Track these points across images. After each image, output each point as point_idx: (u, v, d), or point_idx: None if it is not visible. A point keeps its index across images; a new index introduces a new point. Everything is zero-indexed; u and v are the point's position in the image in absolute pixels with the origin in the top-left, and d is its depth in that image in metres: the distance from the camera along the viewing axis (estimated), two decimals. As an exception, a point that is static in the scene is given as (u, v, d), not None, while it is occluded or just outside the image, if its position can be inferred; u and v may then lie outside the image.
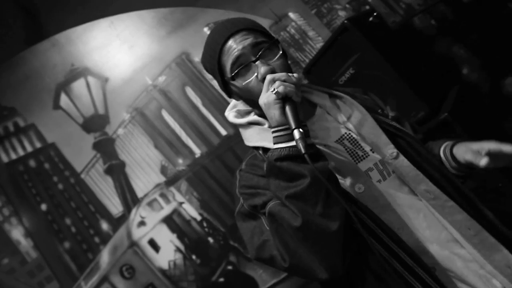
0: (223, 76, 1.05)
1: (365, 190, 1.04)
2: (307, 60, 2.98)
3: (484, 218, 1.06)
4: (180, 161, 2.82)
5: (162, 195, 2.77)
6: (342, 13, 2.99)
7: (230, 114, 1.17)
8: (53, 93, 2.80)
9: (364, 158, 1.07)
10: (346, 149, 1.07)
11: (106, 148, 2.78)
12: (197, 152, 2.86)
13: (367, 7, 3.13)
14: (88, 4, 2.92)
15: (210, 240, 2.76)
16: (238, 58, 1.01)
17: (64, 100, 2.80)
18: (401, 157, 1.06)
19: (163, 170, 2.79)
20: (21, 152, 2.82)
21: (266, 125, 1.08)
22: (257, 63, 1.00)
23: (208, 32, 1.14)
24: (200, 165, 2.84)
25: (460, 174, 1.14)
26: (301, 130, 0.90)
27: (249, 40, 1.03)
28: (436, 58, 2.99)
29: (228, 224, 2.78)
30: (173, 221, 2.76)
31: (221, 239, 2.77)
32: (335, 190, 0.93)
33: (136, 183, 2.75)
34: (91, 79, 2.82)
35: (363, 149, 1.08)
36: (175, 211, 2.77)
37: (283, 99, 0.94)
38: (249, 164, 1.10)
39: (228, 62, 1.02)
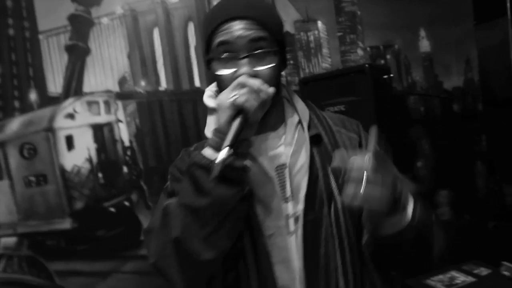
0: (207, 50, 0.96)
1: (274, 235, 0.95)
2: (307, 70, 2.98)
3: None
4: (143, 83, 2.68)
5: (106, 103, 2.60)
6: (360, 52, 3.05)
7: (207, 92, 1.08)
8: None
9: (285, 202, 0.97)
10: (279, 182, 0.97)
11: (81, 26, 2.55)
12: (163, 85, 2.74)
13: (382, 61, 3.24)
14: None
15: (125, 169, 2.66)
16: (226, 43, 0.91)
17: (67, -46, 2.52)
18: (299, 225, 0.95)
19: (122, 82, 2.63)
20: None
21: None
22: (243, 61, 0.90)
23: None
24: (157, 98, 2.72)
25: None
26: (229, 152, 0.80)
27: (249, 32, 0.91)
28: (406, 138, 3.17)
29: (149, 166, 2.70)
30: (101, 132, 2.61)
31: (135, 174, 2.68)
32: (231, 224, 0.86)
33: (89, 77, 2.55)
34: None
35: (289, 192, 0.98)
36: (108, 124, 2.63)
37: (239, 110, 0.85)
38: (196, 149, 1.01)
39: (215, 41, 0.93)
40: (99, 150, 2.60)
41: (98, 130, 2.60)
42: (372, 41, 3.16)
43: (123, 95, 2.63)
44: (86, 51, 2.57)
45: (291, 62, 2.92)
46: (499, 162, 3.49)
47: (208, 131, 1.00)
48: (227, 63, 0.92)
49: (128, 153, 2.67)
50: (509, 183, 3.64)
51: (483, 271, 2.31)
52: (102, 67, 2.57)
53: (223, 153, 0.80)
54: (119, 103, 2.63)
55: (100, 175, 2.60)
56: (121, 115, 2.64)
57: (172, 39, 2.74)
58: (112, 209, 2.64)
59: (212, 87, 1.09)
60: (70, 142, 2.54)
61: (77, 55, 2.54)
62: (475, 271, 2.32)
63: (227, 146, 0.80)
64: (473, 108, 3.54)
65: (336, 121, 1.09)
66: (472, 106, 3.54)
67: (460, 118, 3.52)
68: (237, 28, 0.91)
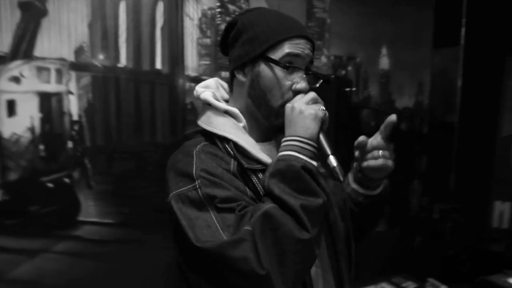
0: (265, 51, 1.07)
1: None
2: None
3: None
4: (101, 57, 2.52)
5: (58, 71, 2.42)
6: (324, 59, 3.08)
7: (206, 92, 1.15)
8: None
9: None
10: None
11: (40, -15, 2.35)
12: (122, 62, 2.60)
13: (343, 72, 3.30)
14: None
15: (69, 144, 2.51)
16: (296, 56, 1.07)
17: None
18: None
19: (78, 51, 2.46)
20: None
21: (242, 124, 1.12)
22: (304, 75, 1.09)
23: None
24: (114, 75, 2.58)
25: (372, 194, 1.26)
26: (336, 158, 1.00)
27: (311, 54, 1.13)
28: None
29: (96, 144, 2.56)
30: (48, 102, 2.43)
31: (80, 150, 2.53)
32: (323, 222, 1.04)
33: (42, 40, 2.36)
34: None
35: None
36: (58, 95, 2.45)
37: (322, 123, 1.06)
38: (207, 152, 1.05)
39: (284, 49, 1.06)
40: (43, 121, 2.42)
41: (45, 99, 2.42)
42: (336, 51, 3.21)
43: (77, 66, 2.47)
44: (43, 12, 2.37)
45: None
46: (433, 181, 3.73)
47: (218, 130, 1.08)
48: (290, 73, 1.08)
49: (76, 127, 2.51)
50: (438, 202, 3.90)
51: (410, 285, 2.46)
52: (58, 33, 2.38)
53: (334, 160, 1.01)
54: (73, 74, 2.46)
55: (41, 147, 2.42)
56: (73, 86, 2.48)
57: (139, 16, 2.60)
58: (50, 185, 2.48)
59: (203, 86, 1.18)
60: (11, 107, 2.34)
61: (32, 15, 2.34)
62: (403, 285, 2.46)
63: (332, 155, 1.01)
64: (418, 130, 3.74)
65: None
66: (418, 127, 3.74)
67: (406, 137, 3.70)
68: (307, 47, 1.09)
